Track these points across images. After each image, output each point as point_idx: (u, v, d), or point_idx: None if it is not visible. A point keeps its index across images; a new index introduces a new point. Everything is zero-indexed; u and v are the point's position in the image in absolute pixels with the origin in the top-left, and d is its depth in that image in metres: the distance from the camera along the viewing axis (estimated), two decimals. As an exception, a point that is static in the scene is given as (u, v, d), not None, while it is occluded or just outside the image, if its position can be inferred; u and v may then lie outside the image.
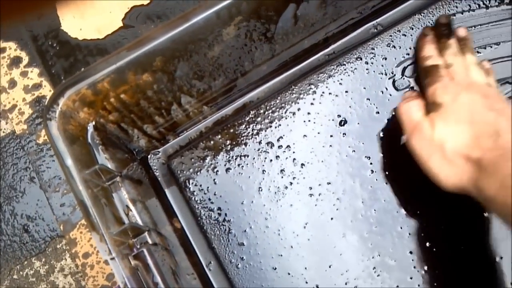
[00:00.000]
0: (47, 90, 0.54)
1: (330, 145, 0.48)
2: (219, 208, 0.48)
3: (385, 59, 0.50)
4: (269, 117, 0.50)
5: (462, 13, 0.51)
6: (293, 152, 0.48)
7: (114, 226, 0.37)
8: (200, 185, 0.49)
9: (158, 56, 0.41)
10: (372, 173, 0.47)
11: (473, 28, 0.51)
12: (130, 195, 0.40)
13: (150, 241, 0.38)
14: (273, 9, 0.43)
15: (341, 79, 0.50)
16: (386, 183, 0.47)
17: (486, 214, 0.44)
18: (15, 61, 0.56)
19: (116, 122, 0.44)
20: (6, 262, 0.49)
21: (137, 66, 0.41)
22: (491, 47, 0.50)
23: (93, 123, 0.41)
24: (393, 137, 0.48)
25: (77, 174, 0.36)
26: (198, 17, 0.39)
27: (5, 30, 0.57)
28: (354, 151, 0.48)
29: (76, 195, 0.36)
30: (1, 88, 0.55)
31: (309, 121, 0.49)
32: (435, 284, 0.43)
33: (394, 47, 0.51)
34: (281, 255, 0.46)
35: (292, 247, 0.46)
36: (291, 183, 0.48)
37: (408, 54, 0.50)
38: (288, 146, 0.49)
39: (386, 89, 0.49)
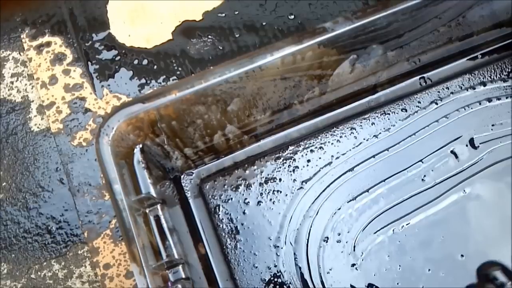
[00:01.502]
0: (87, 92, 0.54)
1: (367, 191, 0.48)
2: (246, 240, 0.48)
3: (431, 113, 0.51)
4: (307, 156, 0.50)
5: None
6: (326, 195, 0.49)
7: (152, 256, 0.37)
8: (230, 214, 0.49)
9: (217, 90, 0.41)
10: (401, 228, 0.47)
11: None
12: (168, 224, 0.40)
13: (183, 275, 0.38)
14: (335, 57, 0.43)
15: (383, 128, 0.50)
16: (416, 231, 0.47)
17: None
18: (59, 58, 0.55)
19: (161, 145, 0.44)
20: (25, 260, 0.49)
21: (194, 98, 0.41)
22: None
23: (141, 146, 0.41)
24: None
25: (125, 201, 0.36)
26: (264, 59, 0.39)
27: (53, 25, 0.56)
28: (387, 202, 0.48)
29: (120, 222, 0.36)
30: (41, 82, 0.54)
31: (345, 164, 0.49)
32: None
33: (440, 103, 0.51)
34: (300, 296, 0.46)
35: (314, 291, 0.46)
36: (319, 225, 0.48)
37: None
38: (323, 189, 0.49)
39: (427, 146, 0.50)
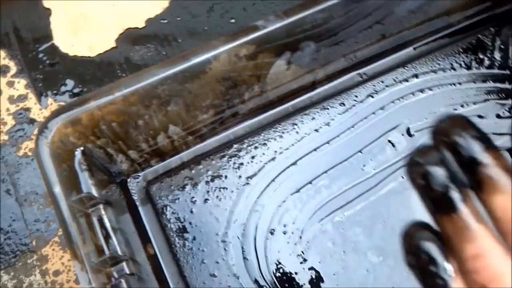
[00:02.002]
0: (32, 103, 0.54)
1: (310, 183, 0.50)
2: (193, 238, 0.49)
3: (368, 106, 0.53)
4: (251, 152, 0.51)
5: (444, 71, 0.54)
6: (271, 189, 0.50)
7: (95, 255, 0.38)
8: (177, 213, 0.50)
9: (155, 90, 0.42)
10: (343, 215, 0.49)
11: (453, 85, 0.54)
12: (112, 223, 0.40)
13: (128, 271, 0.39)
14: (269, 55, 0.45)
15: (323, 122, 0.52)
16: (355, 223, 0.49)
17: None
18: (3, 70, 0.56)
19: (103, 147, 0.45)
20: (-26, 272, 0.49)
21: (133, 97, 0.42)
22: (468, 105, 0.53)
23: (82, 148, 0.42)
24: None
25: (64, 201, 0.37)
26: (199, 58, 0.40)
27: (-5, 37, 0.57)
28: (329, 192, 0.50)
29: (61, 222, 0.37)
30: (-15, 95, 0.54)
31: (289, 159, 0.51)
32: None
33: (376, 96, 0.53)
34: (250, 289, 0.47)
35: (263, 286, 0.47)
36: (265, 218, 0.49)
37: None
38: (267, 183, 0.50)
39: (365, 137, 0.52)
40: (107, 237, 0.40)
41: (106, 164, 0.47)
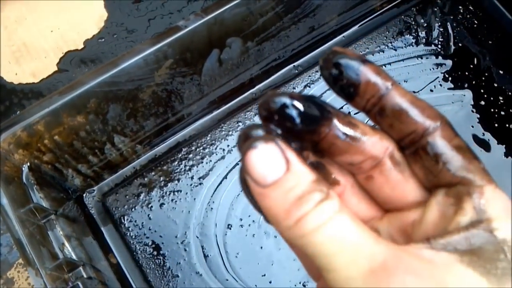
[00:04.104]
0: (-19, 134, 0.55)
1: (257, 178, 0.51)
2: (153, 242, 0.50)
3: (306, 97, 0.55)
4: (201, 154, 0.53)
5: (373, 54, 0.57)
6: (224, 187, 0.52)
7: (50, 262, 0.38)
8: (135, 221, 0.51)
9: (91, 99, 0.43)
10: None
11: (384, 67, 0.56)
12: (65, 231, 0.41)
13: (85, 275, 0.39)
14: (198, 54, 0.46)
15: (267, 117, 0.54)
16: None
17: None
18: None
19: (51, 163, 0.46)
20: None
21: (70, 108, 0.43)
22: (400, 83, 0.55)
23: (28, 164, 0.43)
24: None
25: (13, 213, 0.38)
26: (126, 62, 0.42)
27: None
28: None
29: (12, 233, 0.37)
30: None
31: (238, 155, 0.53)
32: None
33: (313, 86, 0.55)
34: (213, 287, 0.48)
35: (227, 280, 0.48)
36: (221, 214, 0.50)
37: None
38: (219, 181, 0.52)
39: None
40: (62, 245, 0.40)
41: (59, 180, 0.48)
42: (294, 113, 0.20)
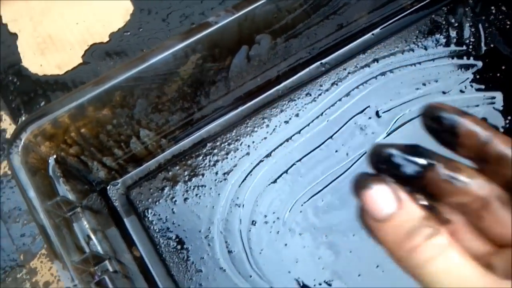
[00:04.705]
0: (7, 124, 0.55)
1: (286, 172, 0.51)
2: (177, 237, 0.50)
3: (334, 94, 0.54)
4: (225, 149, 0.53)
5: (403, 53, 0.56)
6: (249, 183, 0.51)
7: (75, 255, 0.38)
8: (159, 215, 0.50)
9: (118, 92, 0.43)
10: (322, 201, 0.50)
11: (413, 66, 0.55)
12: (91, 224, 0.41)
13: (111, 269, 0.39)
14: (227, 50, 0.46)
15: (292, 113, 0.54)
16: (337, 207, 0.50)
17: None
18: (-26, 96, 0.56)
19: (76, 155, 0.46)
20: (-38, 294, 0.49)
21: (97, 102, 0.43)
22: (430, 83, 0.55)
23: (54, 156, 0.43)
24: (341, 166, 0.51)
25: (39, 205, 0.38)
26: (155, 58, 0.42)
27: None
28: (306, 180, 0.51)
29: (39, 225, 0.37)
30: (-41, 121, 0.55)
31: (262, 151, 0.52)
32: (381, 304, 0.46)
33: (340, 83, 0.55)
34: (237, 284, 0.48)
35: (251, 276, 0.48)
36: (246, 210, 0.50)
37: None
38: (244, 177, 0.51)
39: (334, 122, 0.53)
40: (87, 238, 0.40)
41: (84, 173, 0.48)
42: (400, 162, 0.23)
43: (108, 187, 0.51)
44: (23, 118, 0.56)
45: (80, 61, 0.58)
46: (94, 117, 0.43)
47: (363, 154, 0.52)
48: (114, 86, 0.42)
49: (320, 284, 0.47)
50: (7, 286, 0.50)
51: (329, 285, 0.47)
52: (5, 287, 0.50)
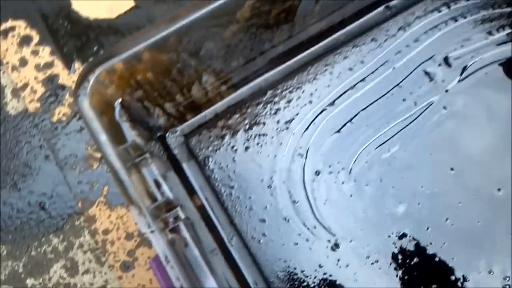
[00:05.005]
0: (59, 69, 0.54)
1: (350, 122, 0.49)
2: (239, 186, 0.48)
3: (401, 40, 0.51)
4: (287, 97, 0.51)
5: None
6: (311, 132, 0.49)
7: (148, 201, 0.37)
8: (220, 163, 0.49)
9: (184, 36, 0.41)
10: (388, 151, 0.48)
11: (486, 11, 0.52)
12: (160, 171, 0.40)
13: (182, 216, 0.38)
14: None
15: (357, 60, 0.51)
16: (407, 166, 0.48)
17: None
18: (25, 40, 0.55)
19: (140, 100, 0.44)
20: (23, 239, 0.49)
21: (164, 45, 0.41)
22: (504, 29, 0.51)
23: (120, 100, 0.41)
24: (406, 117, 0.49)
25: (112, 150, 0.36)
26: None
27: (14, 9, 0.56)
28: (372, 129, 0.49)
29: (112, 170, 0.36)
30: (11, 66, 0.54)
31: (325, 100, 0.50)
32: (453, 259, 0.45)
33: (408, 29, 0.52)
34: (301, 234, 0.47)
35: (315, 227, 0.47)
36: (309, 160, 0.49)
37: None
38: (306, 126, 0.49)
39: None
40: (157, 185, 0.39)
41: (145, 118, 0.46)
42: None
43: (167, 135, 0.50)
44: (76, 64, 0.54)
45: (133, 4, 0.55)
46: (160, 60, 0.41)
47: (432, 103, 0.50)
48: (182, 28, 0.40)
49: (389, 236, 0.46)
50: (65, 233, 0.50)
51: (397, 237, 0.46)
52: (63, 234, 0.50)
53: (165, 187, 0.39)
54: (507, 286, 0.44)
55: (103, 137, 0.37)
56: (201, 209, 0.48)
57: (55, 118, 0.52)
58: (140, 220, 0.34)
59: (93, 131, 0.37)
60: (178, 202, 0.39)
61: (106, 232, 0.48)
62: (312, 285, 0.46)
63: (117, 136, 0.40)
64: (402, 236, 0.46)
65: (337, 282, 0.46)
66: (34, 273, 0.49)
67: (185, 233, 0.36)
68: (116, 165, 0.36)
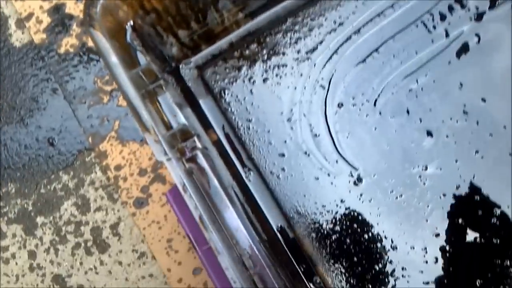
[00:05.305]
0: (66, -3, 0.51)
1: (376, 51, 0.46)
2: (257, 119, 0.46)
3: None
4: (308, 25, 0.47)
5: None
6: (334, 62, 0.46)
7: (163, 128, 0.35)
8: (236, 96, 0.46)
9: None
10: (416, 82, 0.45)
11: None
12: (175, 99, 0.37)
13: (199, 145, 0.36)
14: None
15: (383, -15, 0.48)
16: (430, 92, 0.45)
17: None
18: (28, -35, 0.51)
19: (153, 25, 0.41)
20: (32, 176, 0.47)
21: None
22: None
23: (132, 22, 0.38)
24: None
25: (125, 73, 0.34)
26: None
27: None
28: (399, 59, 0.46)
29: (124, 95, 0.34)
30: (14, -6, 0.51)
31: (350, 28, 0.47)
32: (481, 192, 0.43)
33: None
34: (322, 168, 0.45)
35: (337, 161, 0.45)
36: (331, 92, 0.46)
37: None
38: (329, 56, 0.46)
39: None
40: (173, 113, 0.37)
41: (159, 46, 0.43)
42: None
43: (180, 66, 0.47)
44: (82, -9, 0.51)
45: None
46: (174, -21, 0.38)
47: (463, 32, 0.46)
48: None
49: (413, 169, 0.44)
50: (76, 170, 0.48)
51: (424, 170, 0.44)
52: (73, 171, 0.48)
53: (180, 115, 0.37)
54: (540, 222, 0.42)
55: (114, 59, 0.34)
56: (218, 144, 0.46)
57: (62, 50, 0.49)
58: (156, 147, 0.32)
59: (103, 53, 0.34)
60: (195, 131, 0.37)
61: (118, 168, 0.46)
62: (333, 220, 0.44)
63: (129, 62, 0.37)
64: (430, 168, 0.44)
65: (360, 217, 0.44)
66: (44, 211, 0.47)
67: (203, 162, 0.34)
68: (129, 90, 0.33)
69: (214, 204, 0.34)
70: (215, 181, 0.35)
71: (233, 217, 0.34)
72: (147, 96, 0.36)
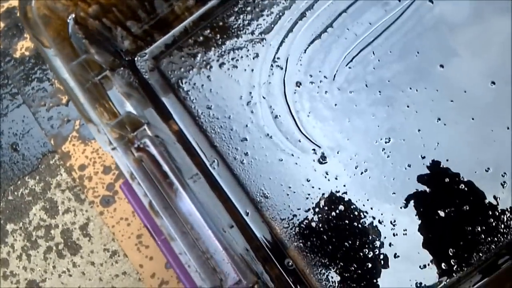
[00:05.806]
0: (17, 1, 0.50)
1: (331, 26, 0.45)
2: (216, 105, 0.45)
3: None
4: (260, 5, 0.47)
5: None
6: (289, 41, 0.46)
7: (111, 118, 0.34)
8: (194, 84, 0.46)
9: None
10: (373, 54, 0.45)
11: None
12: (123, 89, 0.37)
13: (150, 133, 0.36)
14: None
15: (333, -41, 0.47)
16: (389, 57, 0.44)
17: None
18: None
19: (97, 17, 0.40)
20: (-2, 184, 0.47)
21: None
22: None
23: (73, 15, 0.38)
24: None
25: (65, 65, 0.33)
26: None
27: None
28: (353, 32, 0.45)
29: (67, 87, 0.33)
30: (-34, 3, 0.50)
31: (302, 5, 0.46)
32: (447, 159, 0.42)
33: None
34: (285, 149, 0.44)
35: (299, 141, 0.44)
36: (289, 71, 0.45)
37: None
38: (283, 35, 0.46)
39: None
40: (121, 102, 0.36)
41: (111, 40, 0.43)
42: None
43: (136, 59, 0.47)
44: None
45: None
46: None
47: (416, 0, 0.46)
48: None
49: (376, 142, 0.43)
50: (41, 173, 0.47)
51: (387, 142, 0.43)
52: (39, 175, 0.47)
53: (129, 105, 0.36)
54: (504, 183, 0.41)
55: (52, 52, 0.33)
56: (179, 134, 0.45)
57: (18, 54, 0.49)
58: (100, 138, 0.32)
59: (41, 47, 0.34)
60: (145, 119, 0.36)
61: (82, 168, 0.46)
62: (300, 201, 0.43)
63: (73, 55, 0.37)
64: (393, 139, 0.43)
65: (326, 195, 0.43)
66: (13, 218, 0.47)
67: (153, 150, 0.34)
68: (68, 81, 0.33)
69: (165, 191, 0.33)
70: (165, 167, 0.34)
71: (186, 202, 0.34)
72: (93, 88, 0.36)
